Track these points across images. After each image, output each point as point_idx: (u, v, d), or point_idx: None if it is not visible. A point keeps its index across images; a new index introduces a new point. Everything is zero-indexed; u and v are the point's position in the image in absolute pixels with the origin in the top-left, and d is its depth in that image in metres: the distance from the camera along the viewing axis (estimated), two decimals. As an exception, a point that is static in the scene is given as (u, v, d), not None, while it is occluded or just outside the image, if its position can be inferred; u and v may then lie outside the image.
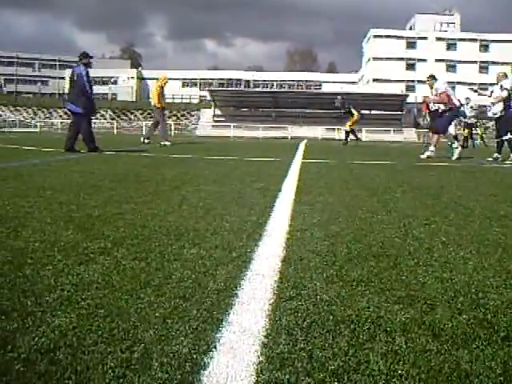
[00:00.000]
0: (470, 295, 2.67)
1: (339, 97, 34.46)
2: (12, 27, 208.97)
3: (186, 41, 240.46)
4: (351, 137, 30.53)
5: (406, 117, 73.14)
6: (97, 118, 76.93)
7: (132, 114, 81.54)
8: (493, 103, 16.25)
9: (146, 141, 22.04)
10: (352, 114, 30.15)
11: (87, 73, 15.07)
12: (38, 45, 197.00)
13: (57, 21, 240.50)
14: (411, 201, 6.03)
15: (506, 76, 16.34)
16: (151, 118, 78.01)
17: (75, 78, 15.08)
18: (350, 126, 30.22)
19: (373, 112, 70.87)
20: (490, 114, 16.78)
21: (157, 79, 23.96)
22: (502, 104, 15.85)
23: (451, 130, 28.36)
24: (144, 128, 65.53)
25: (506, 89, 15.64)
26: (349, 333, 2.15)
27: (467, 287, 2.80)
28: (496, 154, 15.75)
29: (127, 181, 7.34)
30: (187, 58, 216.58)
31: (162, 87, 22.67)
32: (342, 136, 33.50)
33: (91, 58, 15.69)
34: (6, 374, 1.74)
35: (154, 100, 22.58)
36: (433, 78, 17.13)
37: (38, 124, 67.95)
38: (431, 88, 16.88)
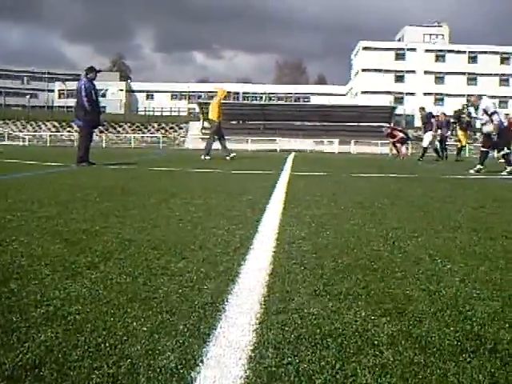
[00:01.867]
0: (457, 308, 2.67)
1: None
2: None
3: (173, 53, 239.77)
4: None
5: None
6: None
7: (121, 126, 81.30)
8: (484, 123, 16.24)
9: (230, 156, 20.99)
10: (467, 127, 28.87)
11: (89, 86, 15.27)
12: (25, 57, 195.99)
13: (45, 33, 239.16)
14: (399, 213, 6.04)
15: (480, 97, 16.52)
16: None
17: (76, 92, 15.41)
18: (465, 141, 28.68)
19: (361, 124, 71.07)
20: (484, 131, 16.67)
21: (216, 93, 23.01)
22: (491, 124, 15.90)
23: (425, 142, 28.11)
24: (133, 141, 65.49)
25: (495, 112, 15.74)
26: (336, 346, 2.15)
27: (454, 300, 2.80)
28: (479, 166, 15.79)
29: (114, 194, 7.32)
30: (176, 70, 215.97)
31: (221, 101, 21.91)
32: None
33: (98, 71, 15.82)
34: (-10, 391, 1.73)
35: (212, 114, 21.65)
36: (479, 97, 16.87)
37: (26, 137, 67.73)
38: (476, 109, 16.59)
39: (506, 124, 16.21)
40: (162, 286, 2.93)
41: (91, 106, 15.14)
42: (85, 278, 3.05)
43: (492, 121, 15.72)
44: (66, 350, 2.05)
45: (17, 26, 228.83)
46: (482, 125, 16.27)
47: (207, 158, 20.76)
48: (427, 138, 27.99)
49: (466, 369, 1.97)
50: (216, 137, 21.88)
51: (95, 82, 15.57)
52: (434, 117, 28.63)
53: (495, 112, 15.72)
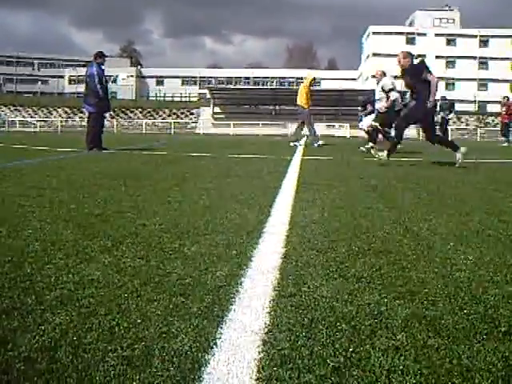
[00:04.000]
0: (471, 290, 2.66)
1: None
2: (8, 26, 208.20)
3: (183, 38, 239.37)
4: None
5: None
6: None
7: (132, 112, 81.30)
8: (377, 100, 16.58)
9: (294, 143, 20.91)
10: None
11: (100, 72, 15.33)
12: (35, 44, 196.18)
13: (54, 20, 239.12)
14: (411, 197, 6.02)
15: (385, 74, 16.59)
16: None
17: (87, 78, 15.43)
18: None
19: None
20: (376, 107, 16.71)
21: (303, 79, 22.90)
22: (384, 101, 16.01)
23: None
24: (144, 126, 65.54)
25: (392, 89, 15.82)
26: (350, 329, 2.15)
27: (467, 282, 2.80)
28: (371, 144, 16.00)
29: (127, 179, 7.33)
30: (185, 55, 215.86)
31: (309, 87, 21.60)
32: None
33: (106, 57, 15.82)
34: (6, 372, 1.74)
35: (300, 100, 21.40)
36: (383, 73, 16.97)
37: (37, 123, 67.88)
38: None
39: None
40: (175, 269, 2.94)
41: (103, 92, 15.18)
42: (98, 262, 3.06)
43: (388, 98, 15.79)
44: (80, 332, 2.07)
45: (25, 13, 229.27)
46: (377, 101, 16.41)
47: (320, 143, 20.72)
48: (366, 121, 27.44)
49: (480, 352, 1.97)
50: (305, 122, 21.76)
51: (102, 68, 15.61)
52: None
53: (393, 89, 15.84)
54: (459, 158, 10.95)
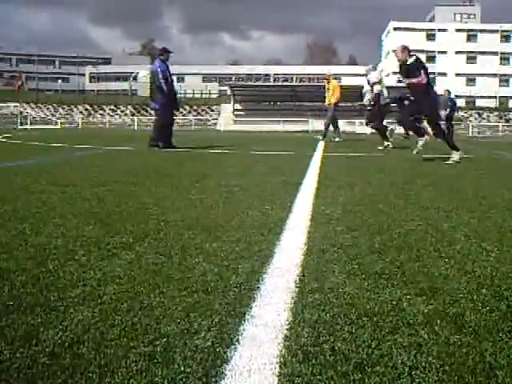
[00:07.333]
0: (493, 287, 2.65)
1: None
2: (29, 24, 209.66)
3: (201, 34, 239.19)
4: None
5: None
6: (117, 115, 77.14)
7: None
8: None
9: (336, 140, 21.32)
10: None
11: (164, 68, 15.00)
12: (55, 42, 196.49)
13: (73, 17, 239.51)
14: (432, 193, 6.00)
15: (374, 69, 16.98)
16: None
17: (151, 75, 15.21)
18: None
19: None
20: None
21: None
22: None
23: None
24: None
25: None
26: (372, 325, 2.15)
27: (490, 279, 2.78)
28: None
29: (148, 176, 7.36)
30: (204, 52, 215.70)
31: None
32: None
33: (170, 52, 15.47)
34: (31, 367, 1.75)
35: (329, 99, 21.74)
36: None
37: (58, 121, 68.16)
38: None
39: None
40: (197, 265, 2.95)
41: (168, 88, 14.92)
42: (120, 259, 3.07)
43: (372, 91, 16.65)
44: (102, 329, 2.07)
45: (45, 11, 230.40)
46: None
47: (337, 139, 21.30)
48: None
49: (503, 349, 1.95)
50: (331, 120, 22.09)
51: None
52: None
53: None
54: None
